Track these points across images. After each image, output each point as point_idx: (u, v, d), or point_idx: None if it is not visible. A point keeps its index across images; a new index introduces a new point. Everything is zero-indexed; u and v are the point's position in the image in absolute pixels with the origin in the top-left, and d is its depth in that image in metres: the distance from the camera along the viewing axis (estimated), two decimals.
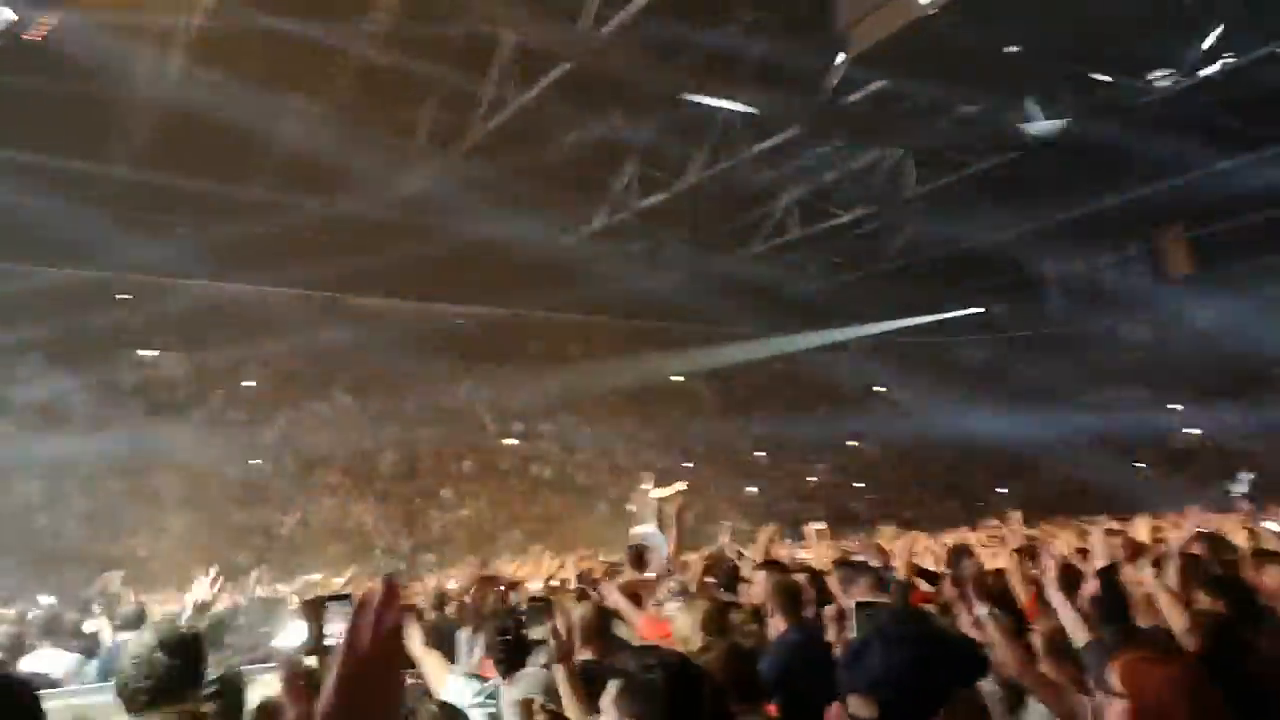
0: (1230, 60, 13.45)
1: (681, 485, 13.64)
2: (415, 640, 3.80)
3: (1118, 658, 2.17)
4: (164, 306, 18.39)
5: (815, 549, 9.60)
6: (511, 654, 3.82)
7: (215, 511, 16.65)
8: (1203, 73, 13.90)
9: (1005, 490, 23.54)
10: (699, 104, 14.12)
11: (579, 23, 12.13)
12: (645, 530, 12.19)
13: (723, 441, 24.70)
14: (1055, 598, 3.29)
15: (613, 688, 2.23)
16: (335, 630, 4.21)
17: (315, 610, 3.86)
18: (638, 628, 4.61)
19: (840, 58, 12.85)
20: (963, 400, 25.51)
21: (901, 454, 26.69)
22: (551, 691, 3.26)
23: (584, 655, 3.79)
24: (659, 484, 13.44)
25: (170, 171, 15.82)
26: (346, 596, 5.52)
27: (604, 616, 4.29)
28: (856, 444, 26.88)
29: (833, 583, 4.82)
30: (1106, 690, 2.08)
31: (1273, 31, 12.78)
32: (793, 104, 14.14)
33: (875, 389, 28.33)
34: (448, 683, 3.63)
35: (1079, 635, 3.08)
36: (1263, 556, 5.01)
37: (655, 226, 19.25)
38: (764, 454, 25.22)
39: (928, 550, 7.98)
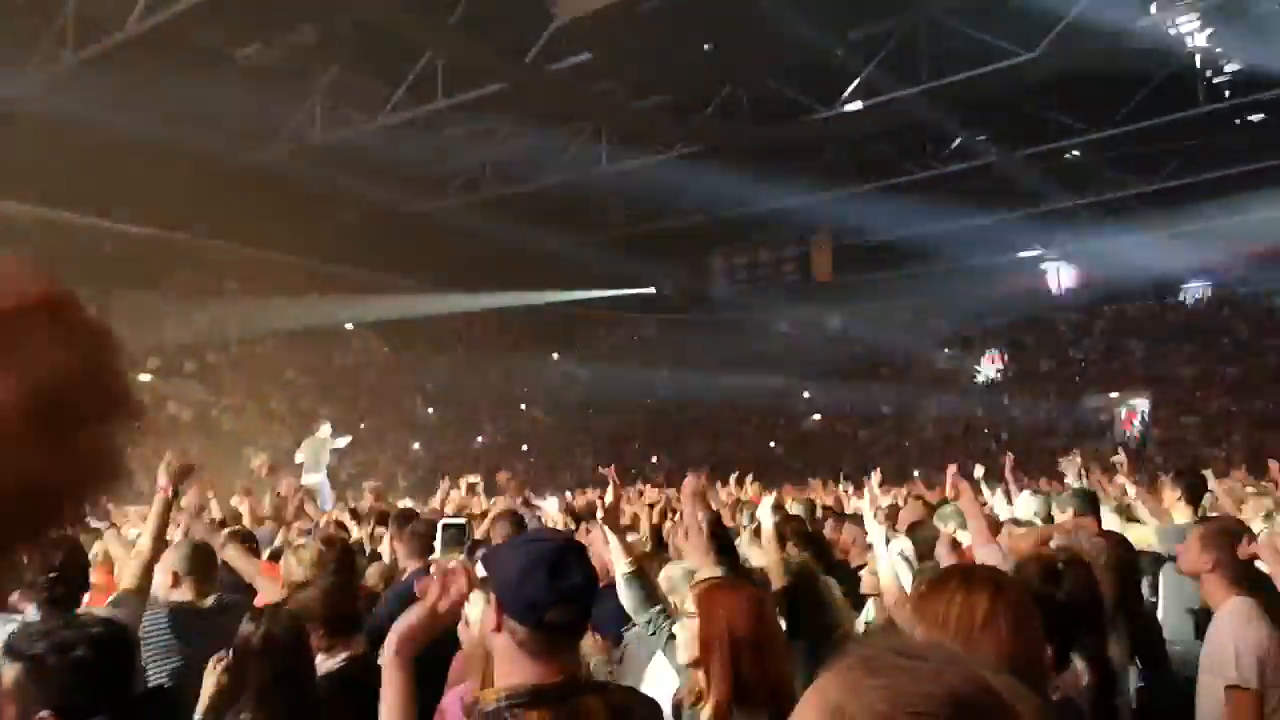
0: (874, 100, 15.23)
1: (348, 437, 13.18)
2: None
3: (695, 585, 2.35)
4: None
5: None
6: (69, 592, 3.41)
7: None
8: (849, 107, 15.65)
9: (657, 459, 25.13)
10: (399, 44, 13.35)
11: None
12: (315, 479, 11.67)
13: (391, 396, 23.96)
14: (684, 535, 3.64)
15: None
16: None
17: None
18: (253, 574, 4.40)
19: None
20: (628, 372, 26.94)
21: (567, 420, 27.59)
22: None
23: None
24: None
25: None
26: None
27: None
28: (526, 407, 27.38)
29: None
30: (684, 614, 2.28)
31: (912, 78, 14.60)
32: (495, 61, 13.83)
33: (549, 355, 28.96)
34: None
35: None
36: (841, 518, 6.11)
37: (339, 163, 17.89)
38: (432, 411, 24.85)
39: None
